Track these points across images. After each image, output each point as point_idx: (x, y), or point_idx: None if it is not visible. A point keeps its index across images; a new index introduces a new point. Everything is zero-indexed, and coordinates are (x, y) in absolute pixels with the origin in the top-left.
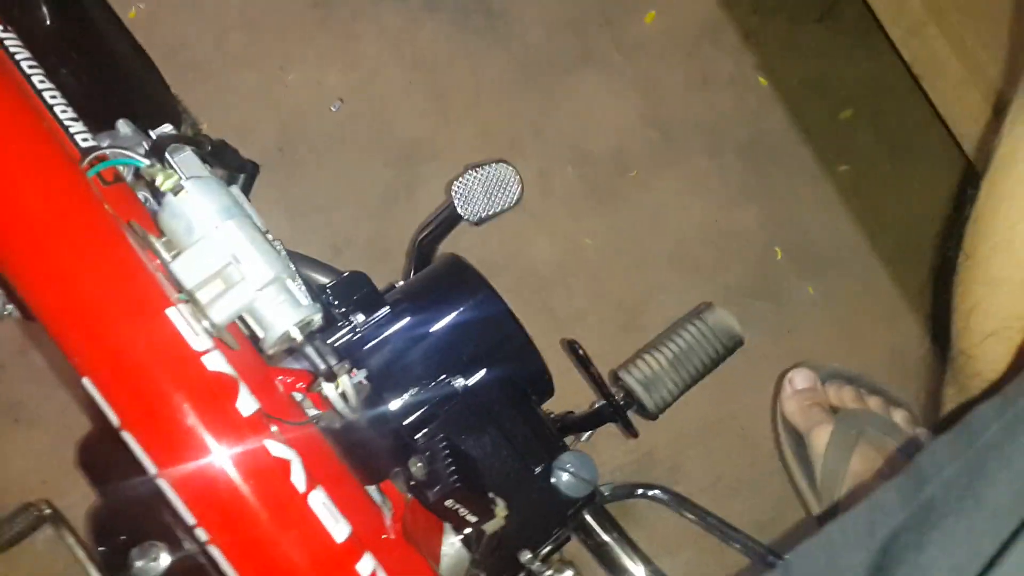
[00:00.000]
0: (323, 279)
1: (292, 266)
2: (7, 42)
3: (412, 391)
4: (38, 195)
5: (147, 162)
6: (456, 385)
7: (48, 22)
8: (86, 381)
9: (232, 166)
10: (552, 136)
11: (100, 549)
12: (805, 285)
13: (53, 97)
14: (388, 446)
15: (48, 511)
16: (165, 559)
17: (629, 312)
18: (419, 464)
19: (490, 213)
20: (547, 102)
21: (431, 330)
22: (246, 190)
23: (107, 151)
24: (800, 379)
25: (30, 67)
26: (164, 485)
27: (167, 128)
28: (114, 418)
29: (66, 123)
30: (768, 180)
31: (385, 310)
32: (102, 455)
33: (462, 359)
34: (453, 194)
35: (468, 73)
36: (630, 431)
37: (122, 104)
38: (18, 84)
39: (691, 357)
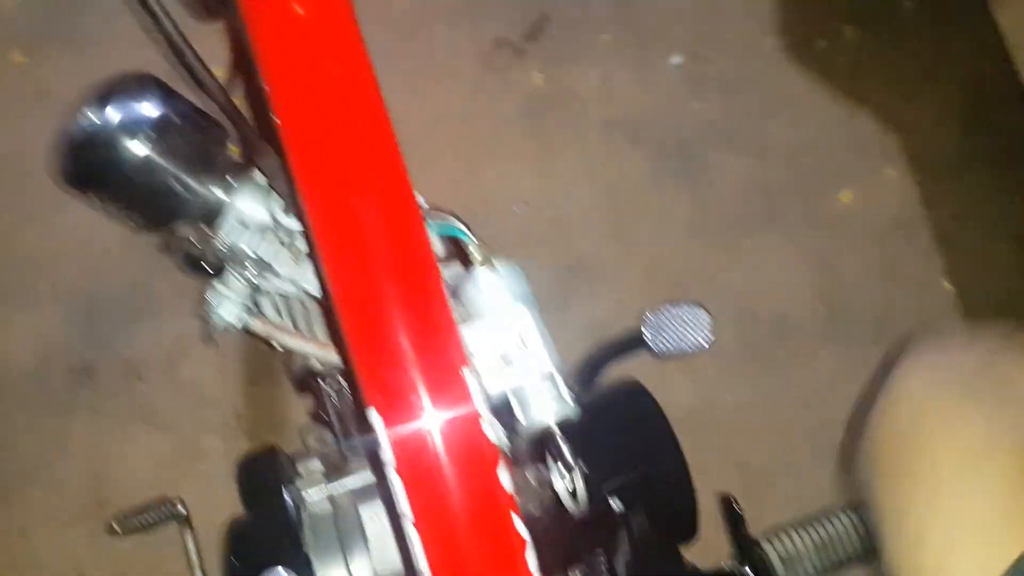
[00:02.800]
0: None
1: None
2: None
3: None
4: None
5: (470, 236)
6: (614, 506)
7: None
8: (371, 412)
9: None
10: (719, 287)
11: (232, 560)
12: None
13: None
14: (563, 545)
15: (181, 511)
16: None
17: (752, 479)
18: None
19: (675, 351)
20: (722, 254)
21: (606, 446)
22: None
23: (441, 216)
24: None
25: None
26: (409, 530)
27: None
28: (388, 456)
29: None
30: None
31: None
32: (257, 478)
33: (626, 484)
34: (644, 322)
35: (653, 208)
36: None
37: None
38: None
39: (837, 547)
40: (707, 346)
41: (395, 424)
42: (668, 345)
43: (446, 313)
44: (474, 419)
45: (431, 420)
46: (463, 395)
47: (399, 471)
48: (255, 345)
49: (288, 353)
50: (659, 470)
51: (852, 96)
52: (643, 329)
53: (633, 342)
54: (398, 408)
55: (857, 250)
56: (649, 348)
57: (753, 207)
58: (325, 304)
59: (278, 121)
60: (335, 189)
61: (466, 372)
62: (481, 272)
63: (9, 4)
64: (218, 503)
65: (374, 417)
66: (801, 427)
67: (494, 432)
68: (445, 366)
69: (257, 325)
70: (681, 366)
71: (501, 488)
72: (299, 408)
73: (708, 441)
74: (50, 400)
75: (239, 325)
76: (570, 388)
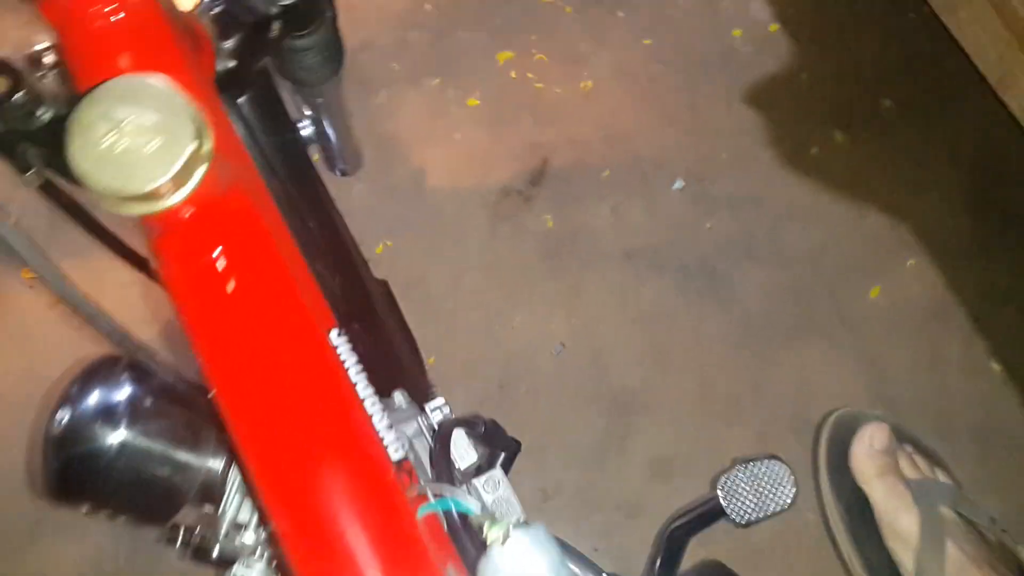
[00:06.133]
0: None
1: None
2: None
3: None
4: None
5: (478, 511)
6: None
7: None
8: None
9: (499, 446)
10: (772, 399)
11: None
12: None
13: (372, 404)
14: None
15: None
16: None
17: None
18: None
19: (759, 516)
20: (768, 365)
21: None
22: (506, 467)
23: (435, 488)
24: (881, 437)
25: (356, 372)
26: None
27: (440, 402)
28: None
29: (379, 431)
30: (1004, 472)
31: None
32: None
33: None
34: (719, 491)
35: (688, 330)
36: None
37: (390, 379)
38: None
39: None
40: (791, 502)
41: None
42: (750, 511)
43: None
44: None
45: None
46: None
47: None
48: None
49: None
50: None
51: (857, 196)
52: (720, 499)
53: (712, 514)
54: None
55: (899, 343)
56: (731, 519)
57: (787, 315)
58: None
59: (214, 391)
60: (290, 472)
61: None
62: (497, 550)
63: None
64: None
65: None
66: None
67: None
68: None
69: None
70: None
71: None
72: None
73: (801, 567)
74: None
75: None
76: None
